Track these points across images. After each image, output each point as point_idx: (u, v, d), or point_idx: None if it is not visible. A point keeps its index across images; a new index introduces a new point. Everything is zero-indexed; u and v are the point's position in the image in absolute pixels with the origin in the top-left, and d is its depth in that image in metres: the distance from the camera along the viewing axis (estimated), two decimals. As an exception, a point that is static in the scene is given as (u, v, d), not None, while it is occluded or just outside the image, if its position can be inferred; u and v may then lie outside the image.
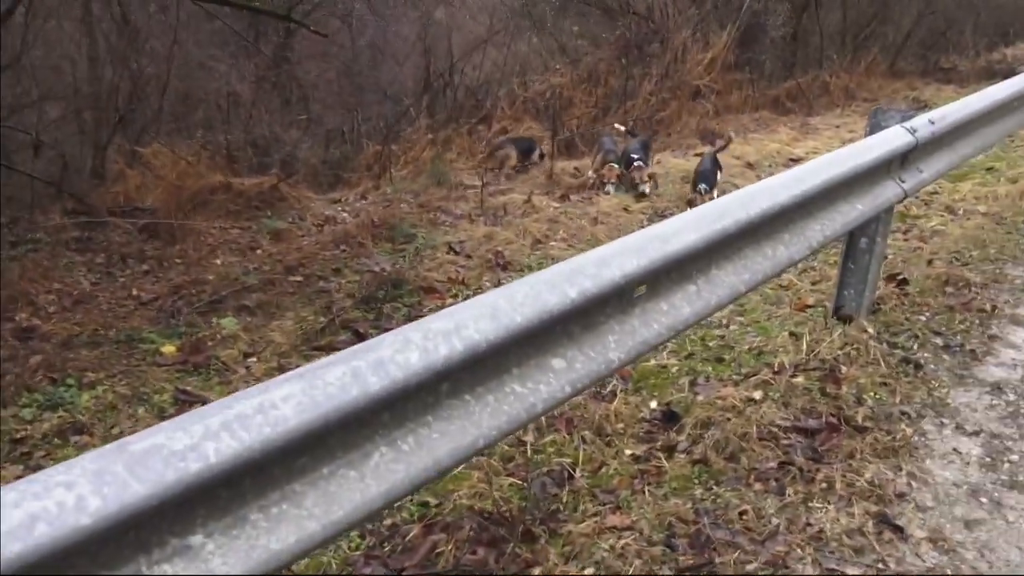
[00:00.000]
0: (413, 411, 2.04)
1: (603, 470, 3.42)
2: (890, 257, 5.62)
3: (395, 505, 3.28)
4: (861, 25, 13.14)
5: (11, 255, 5.60)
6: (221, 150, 8.70)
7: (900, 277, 5.07)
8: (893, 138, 4.11)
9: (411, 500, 3.31)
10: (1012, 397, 3.77)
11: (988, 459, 3.33)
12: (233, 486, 1.68)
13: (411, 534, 3.10)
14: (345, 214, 7.02)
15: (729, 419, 3.63)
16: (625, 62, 10.84)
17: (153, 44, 10.60)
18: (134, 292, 5.38)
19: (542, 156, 8.70)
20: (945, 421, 3.60)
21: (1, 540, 1.29)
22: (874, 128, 4.35)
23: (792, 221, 3.48)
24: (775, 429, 3.55)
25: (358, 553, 3.07)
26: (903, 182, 4.31)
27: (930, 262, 5.39)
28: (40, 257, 5.73)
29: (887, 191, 4.18)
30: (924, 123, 4.32)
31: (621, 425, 3.74)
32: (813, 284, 5.32)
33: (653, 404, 3.89)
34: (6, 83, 7.91)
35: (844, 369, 3.97)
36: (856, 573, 2.72)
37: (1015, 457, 3.33)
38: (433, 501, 3.30)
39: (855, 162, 3.82)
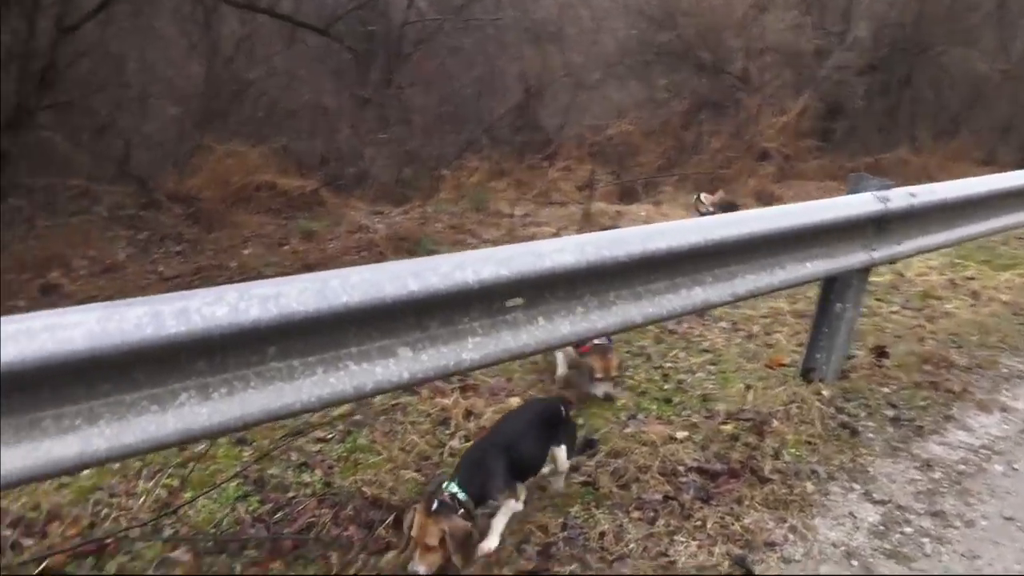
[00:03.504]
0: (234, 365, 2.27)
1: (503, 479, 3.54)
2: (888, 329, 5.53)
3: (296, 480, 3.54)
4: (955, 109, 12.79)
5: (62, 222, 6.18)
6: (293, 156, 9.30)
7: (883, 349, 5.00)
8: (861, 203, 4.13)
9: (320, 479, 3.54)
10: (938, 475, 3.69)
11: (881, 527, 3.29)
12: (27, 392, 1.95)
13: (302, 506, 3.32)
14: (380, 225, 7.38)
15: (640, 452, 3.70)
16: (699, 117, 10.92)
17: (261, 55, 11.41)
18: (160, 268, 5.84)
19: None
20: (855, 486, 3.56)
21: None
22: (851, 193, 4.36)
23: (719, 265, 3.55)
24: (680, 467, 3.60)
25: (249, 515, 3.30)
26: (874, 250, 4.29)
27: (922, 340, 5.28)
28: (89, 226, 6.29)
29: (851, 256, 4.17)
30: (902, 195, 4.30)
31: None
32: (799, 345, 5.28)
33: (581, 433, 3.99)
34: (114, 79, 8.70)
35: (775, 423, 3.97)
36: (689, 606, 2.77)
37: (909, 530, 3.28)
38: (339, 482, 3.51)
39: (810, 218, 3.86)
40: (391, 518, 3.16)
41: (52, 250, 5.63)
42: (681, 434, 3.93)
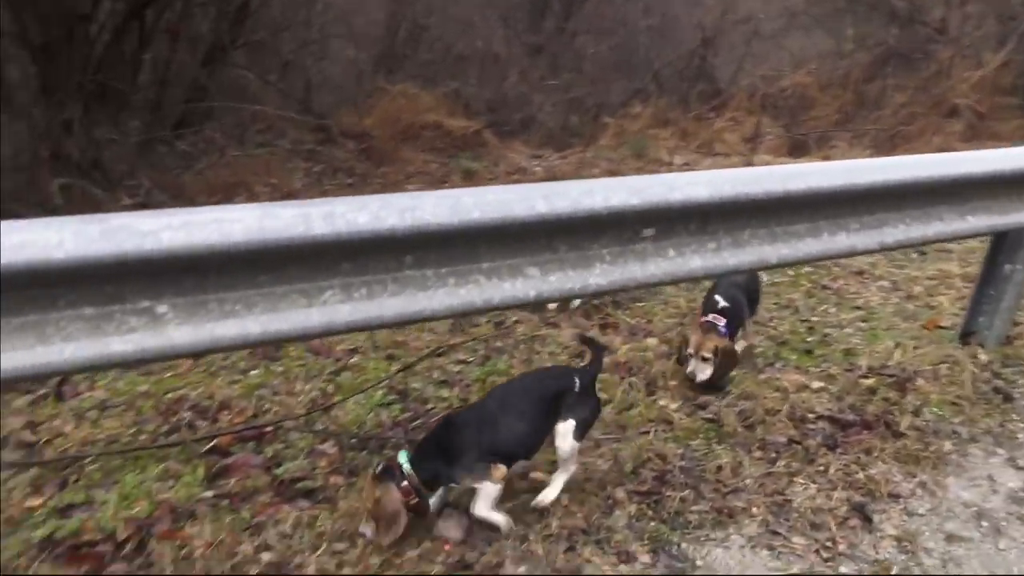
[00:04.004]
0: (373, 269, 2.48)
1: (631, 410, 3.64)
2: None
3: (436, 395, 3.79)
4: None
5: (249, 152, 6.73)
6: (462, 100, 9.59)
7: (1059, 318, 4.65)
8: (1039, 156, 3.84)
9: (456, 395, 3.78)
10: (1096, 450, 3.45)
11: (1021, 494, 3.14)
12: (198, 274, 2.24)
13: (438, 417, 3.56)
14: (538, 168, 7.53)
15: (771, 397, 3.69)
16: (884, 70, 10.29)
17: (439, 2, 11.74)
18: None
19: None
20: (1000, 451, 3.40)
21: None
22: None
23: (866, 212, 3.43)
24: (809, 415, 3.57)
25: (390, 420, 3.58)
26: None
27: (1107, 313, 4.84)
28: (272, 157, 6.82)
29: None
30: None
31: (674, 383, 3.92)
32: (963, 309, 5.00)
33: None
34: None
35: (920, 382, 3.83)
36: (800, 542, 2.78)
37: (1052, 499, 3.11)
38: (473, 400, 3.73)
39: (977, 167, 3.65)
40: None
41: (238, 177, 6.16)
42: (817, 384, 3.87)
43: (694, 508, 2.88)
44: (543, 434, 2.84)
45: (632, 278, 2.90)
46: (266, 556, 2.56)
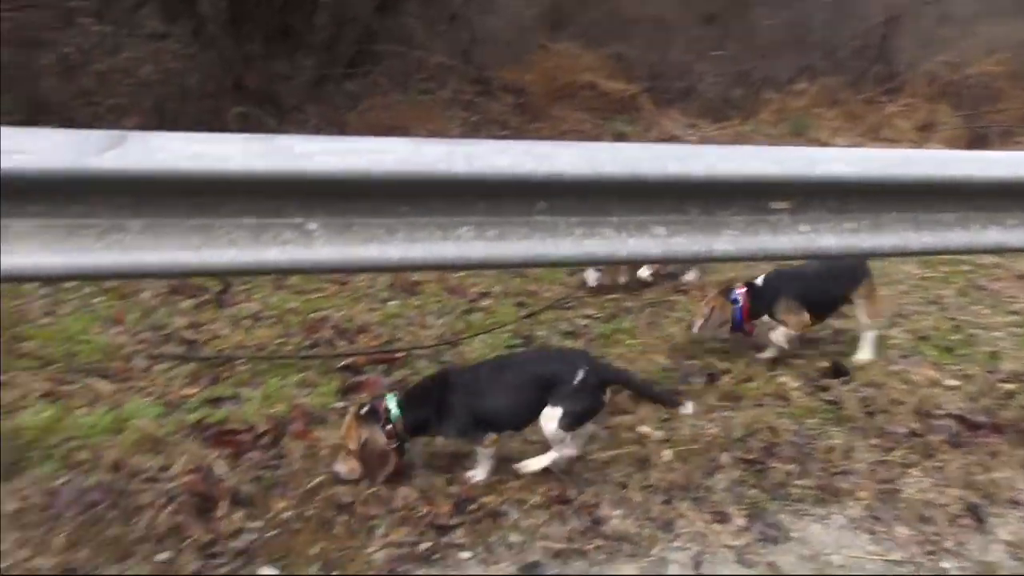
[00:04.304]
0: (507, 211, 2.61)
1: (749, 383, 3.65)
2: None
3: (559, 343, 3.91)
4: None
5: (411, 98, 7.00)
6: (624, 63, 9.54)
7: None
8: None
9: (580, 346, 3.89)
10: None
11: None
12: (348, 198, 2.43)
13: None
14: (692, 137, 7.45)
15: (898, 389, 3.60)
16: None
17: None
18: (483, 147, 6.44)
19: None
20: None
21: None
22: None
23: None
24: (937, 411, 3.46)
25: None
26: None
27: None
28: (432, 104, 7.08)
29: None
30: None
31: (801, 361, 3.88)
32: None
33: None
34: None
35: (1068, 392, 3.62)
36: (904, 532, 2.74)
37: None
38: (595, 352, 3.83)
39: None
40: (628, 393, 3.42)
41: (398, 120, 6.44)
42: (951, 382, 3.73)
43: (798, 482, 2.89)
44: (531, 413, 2.78)
45: (761, 248, 2.89)
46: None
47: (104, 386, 3.29)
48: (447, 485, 2.73)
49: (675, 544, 2.54)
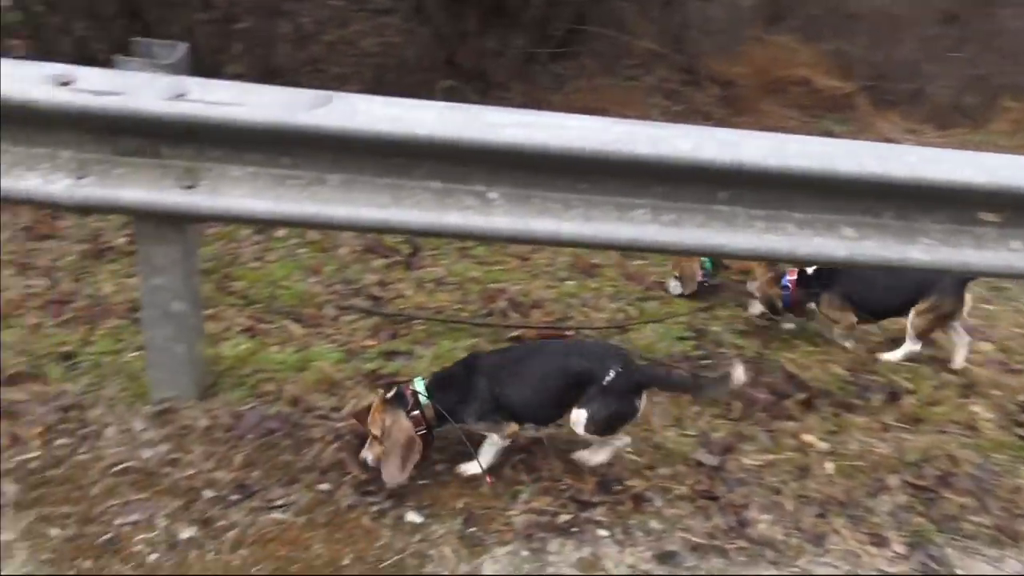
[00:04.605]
0: (685, 197, 2.58)
1: (934, 407, 3.39)
2: None
3: (733, 341, 3.82)
4: None
5: (614, 82, 7.00)
6: (843, 60, 9.02)
7: None
8: None
9: (755, 347, 3.78)
10: None
11: None
12: (530, 171, 2.50)
13: (727, 361, 3.60)
14: (910, 143, 6.95)
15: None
16: None
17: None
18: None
19: None
20: None
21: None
22: None
23: None
24: None
25: (681, 353, 3.69)
26: None
27: None
28: (635, 91, 7.05)
29: None
30: None
31: (998, 393, 3.57)
32: None
33: None
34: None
35: None
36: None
37: None
38: (770, 355, 3.70)
39: None
40: (803, 396, 3.28)
41: (601, 103, 6.45)
42: None
43: (972, 518, 2.67)
44: (556, 408, 2.63)
45: (963, 262, 2.69)
46: (530, 429, 2.82)
47: (296, 329, 3.57)
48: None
49: (823, 559, 2.43)
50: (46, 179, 2.44)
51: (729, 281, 4.27)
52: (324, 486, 2.52)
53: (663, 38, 7.74)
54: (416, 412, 2.52)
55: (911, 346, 3.69)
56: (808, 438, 2.97)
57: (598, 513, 2.52)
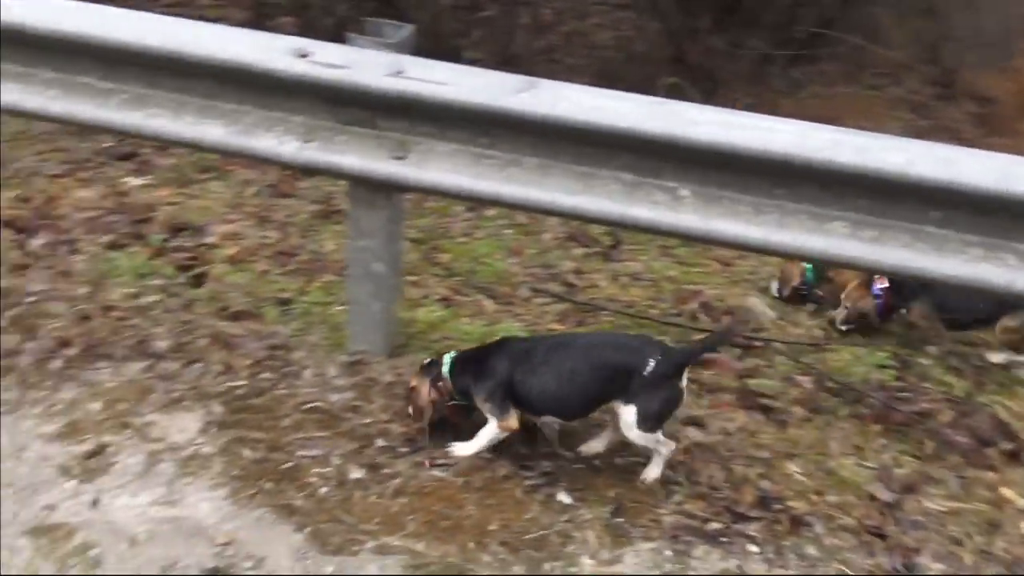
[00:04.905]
0: (891, 214, 2.43)
1: None
2: None
3: (940, 378, 3.54)
4: None
5: (855, 91, 6.62)
6: None
7: None
8: None
9: (964, 387, 3.47)
10: None
11: None
12: (725, 171, 2.46)
13: (928, 397, 3.34)
14: None
15: None
16: None
17: None
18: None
19: None
20: None
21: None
22: None
23: None
24: None
25: (879, 382, 3.46)
26: None
27: None
28: (876, 101, 6.63)
29: None
30: None
31: None
32: None
33: None
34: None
35: None
36: None
37: None
38: (980, 397, 3.39)
39: None
40: (1010, 446, 2.98)
41: (834, 112, 6.06)
42: None
43: None
44: (587, 403, 2.57)
45: None
46: (696, 434, 2.79)
47: (488, 304, 3.73)
48: (759, 479, 2.67)
49: (995, 623, 2.22)
50: (279, 140, 2.72)
51: (831, 294, 4.00)
52: (485, 454, 2.63)
53: (917, 48, 7.18)
54: (440, 383, 2.65)
55: (1006, 355, 3.63)
56: (1007, 492, 2.70)
57: (752, 528, 2.45)
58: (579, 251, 4.51)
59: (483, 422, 2.63)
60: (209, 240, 3.87)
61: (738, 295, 4.19)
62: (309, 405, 2.69)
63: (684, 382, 2.56)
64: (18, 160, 4.37)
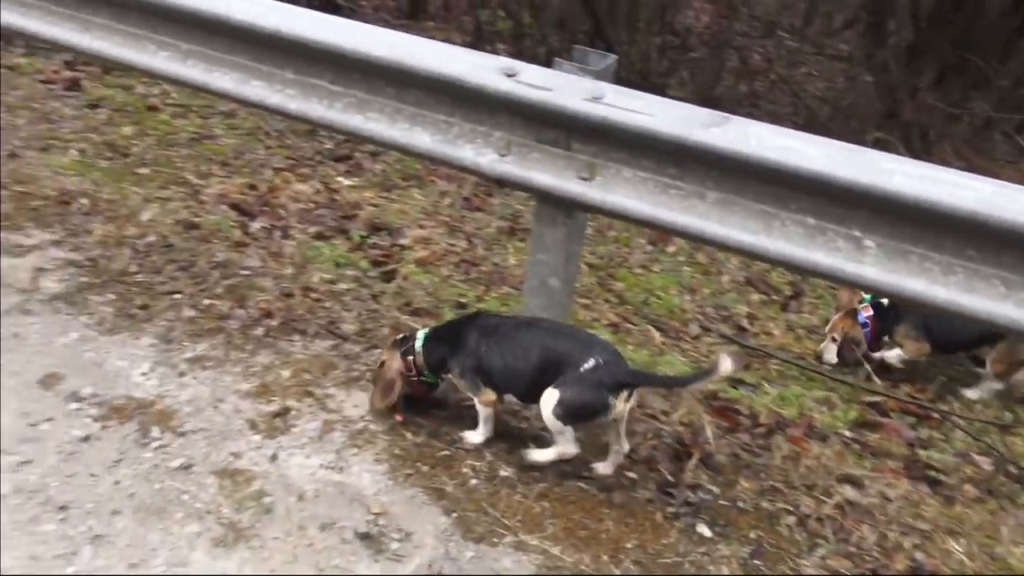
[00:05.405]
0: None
1: None
2: None
3: None
4: None
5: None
6: None
7: None
8: None
9: None
10: None
11: None
12: (910, 224, 2.40)
13: None
14: None
15: None
16: None
17: None
18: None
19: None
20: None
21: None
22: None
23: None
24: None
25: None
26: None
27: None
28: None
29: None
30: None
31: None
32: None
33: None
34: None
35: None
36: None
37: None
38: None
39: None
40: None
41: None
42: None
43: None
44: (531, 384, 2.56)
45: None
46: (851, 493, 2.70)
47: (655, 335, 3.77)
48: (914, 549, 2.54)
49: None
50: (478, 152, 2.91)
51: None
52: (631, 474, 2.68)
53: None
54: (409, 357, 2.73)
55: (995, 384, 3.71)
56: None
57: (900, 599, 2.35)
58: (756, 297, 4.46)
59: (451, 401, 2.89)
60: (403, 241, 4.16)
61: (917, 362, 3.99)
62: (470, 403, 2.83)
63: (622, 403, 2.52)
64: (251, 152, 4.89)
